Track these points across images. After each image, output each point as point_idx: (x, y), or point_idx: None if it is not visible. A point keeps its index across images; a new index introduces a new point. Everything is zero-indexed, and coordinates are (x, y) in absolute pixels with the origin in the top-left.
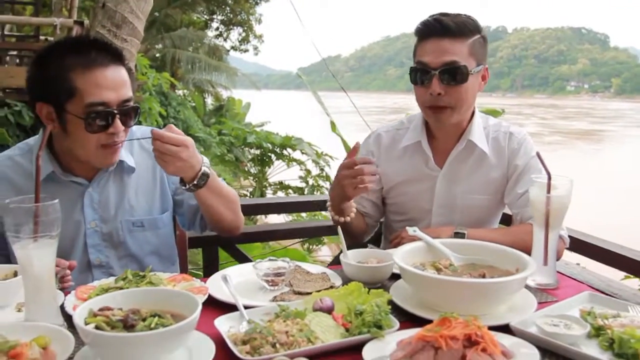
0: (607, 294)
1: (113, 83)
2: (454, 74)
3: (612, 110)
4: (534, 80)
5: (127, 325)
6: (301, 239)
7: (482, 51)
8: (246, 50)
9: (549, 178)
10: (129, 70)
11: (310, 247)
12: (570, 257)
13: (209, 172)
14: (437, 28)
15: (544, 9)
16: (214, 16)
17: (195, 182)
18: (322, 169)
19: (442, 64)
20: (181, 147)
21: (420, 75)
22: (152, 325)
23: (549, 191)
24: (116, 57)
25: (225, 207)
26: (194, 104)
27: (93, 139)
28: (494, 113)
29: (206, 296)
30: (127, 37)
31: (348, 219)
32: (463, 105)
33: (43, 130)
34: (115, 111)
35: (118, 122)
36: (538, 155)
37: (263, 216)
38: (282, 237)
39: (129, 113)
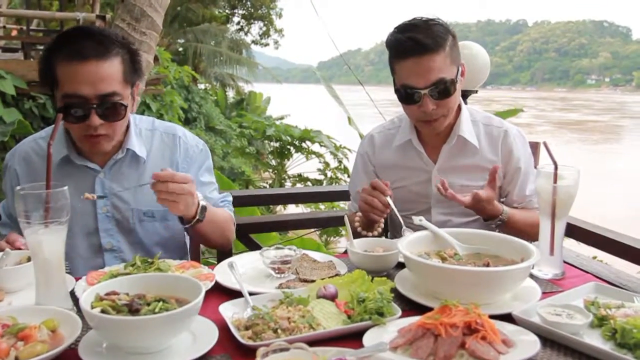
0: (616, 285)
1: (90, 77)
2: (444, 90)
3: (616, 103)
4: (554, 74)
5: (132, 309)
6: (316, 230)
7: (456, 52)
8: (267, 45)
9: (556, 168)
10: (133, 60)
11: (328, 238)
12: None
13: (205, 203)
14: (414, 47)
15: (565, 2)
16: (235, 10)
17: (198, 218)
18: (340, 162)
19: (430, 84)
20: (189, 184)
21: (408, 96)
22: (156, 310)
23: (555, 181)
24: (103, 49)
25: (220, 234)
26: (215, 98)
27: (75, 129)
28: (511, 113)
29: (213, 283)
30: (145, 31)
31: (374, 234)
32: (454, 110)
33: (55, 119)
34: (93, 105)
35: (94, 116)
36: (545, 145)
37: (282, 208)
38: (294, 227)
39: (110, 108)
